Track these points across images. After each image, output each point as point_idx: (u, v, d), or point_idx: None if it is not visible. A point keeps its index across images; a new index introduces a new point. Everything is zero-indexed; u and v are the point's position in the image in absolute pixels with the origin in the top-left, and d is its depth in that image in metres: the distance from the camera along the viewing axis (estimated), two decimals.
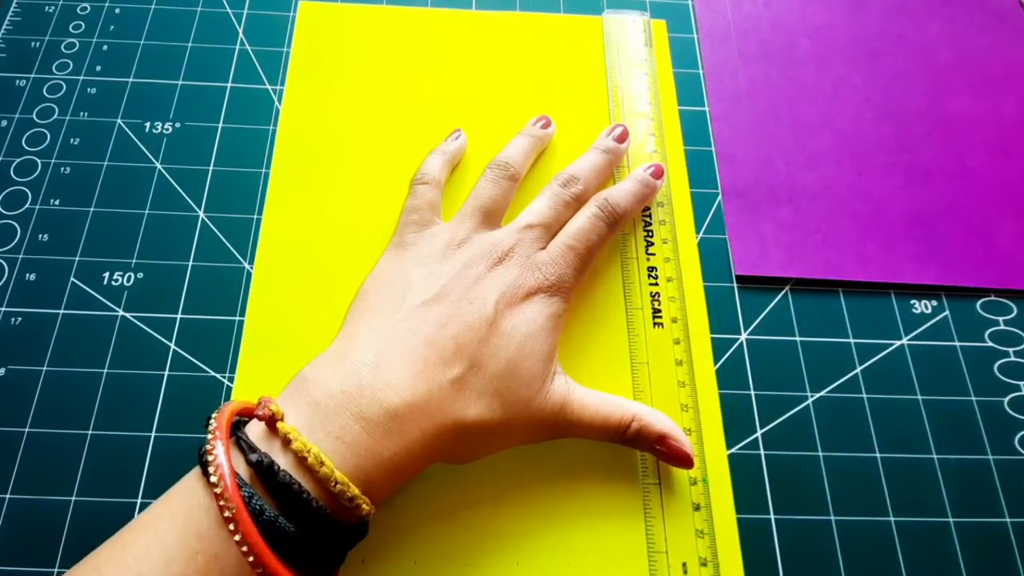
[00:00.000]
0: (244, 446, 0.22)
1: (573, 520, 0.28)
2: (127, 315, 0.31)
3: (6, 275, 0.31)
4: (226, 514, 0.20)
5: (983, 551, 0.28)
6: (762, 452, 0.30)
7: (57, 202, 0.33)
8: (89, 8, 0.39)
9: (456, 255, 0.28)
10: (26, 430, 0.28)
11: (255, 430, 0.23)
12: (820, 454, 0.30)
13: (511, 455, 0.28)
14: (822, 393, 0.31)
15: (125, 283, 0.32)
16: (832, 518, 0.29)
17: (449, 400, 0.25)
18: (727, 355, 0.32)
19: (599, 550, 0.27)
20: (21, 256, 0.32)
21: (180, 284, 0.32)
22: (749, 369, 0.31)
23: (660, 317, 0.31)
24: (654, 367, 0.31)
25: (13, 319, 0.30)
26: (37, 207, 0.33)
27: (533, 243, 0.29)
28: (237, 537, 0.20)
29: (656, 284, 0.32)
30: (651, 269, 0.32)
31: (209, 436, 0.21)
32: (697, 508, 0.28)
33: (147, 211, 0.33)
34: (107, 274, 0.32)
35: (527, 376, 0.26)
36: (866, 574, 0.28)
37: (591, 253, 0.30)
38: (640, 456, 0.29)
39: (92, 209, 0.33)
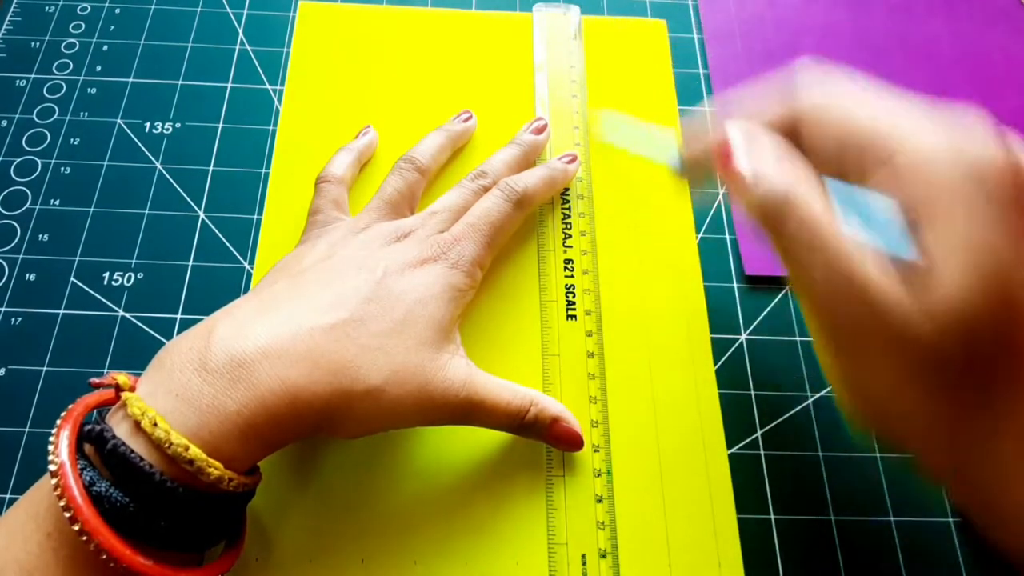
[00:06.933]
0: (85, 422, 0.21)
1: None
2: (127, 315, 0.31)
3: (6, 275, 0.31)
4: (56, 491, 0.19)
5: (984, 550, 0.28)
6: (762, 452, 0.30)
7: (57, 202, 0.33)
8: (89, 8, 0.39)
9: (355, 238, 0.28)
10: (26, 430, 0.28)
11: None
12: (820, 454, 0.30)
13: (519, 453, 0.28)
14: (822, 393, 0.31)
15: (125, 283, 0.32)
16: (832, 518, 0.29)
17: (322, 348, 0.22)
18: (727, 355, 0.32)
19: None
20: (21, 256, 0.32)
21: (180, 284, 0.32)
22: (749, 369, 0.31)
23: (574, 309, 0.31)
24: (565, 359, 0.30)
25: (13, 319, 0.31)
26: (37, 207, 0.33)
27: (436, 226, 0.28)
28: (68, 514, 0.19)
29: (572, 276, 0.32)
30: (568, 261, 0.32)
31: (60, 418, 0.21)
32: (600, 500, 0.28)
33: (147, 211, 0.33)
34: (107, 274, 0.32)
35: (417, 340, 0.25)
36: (866, 574, 0.28)
37: (494, 230, 0.29)
38: (547, 449, 0.29)
39: (92, 209, 0.33)
